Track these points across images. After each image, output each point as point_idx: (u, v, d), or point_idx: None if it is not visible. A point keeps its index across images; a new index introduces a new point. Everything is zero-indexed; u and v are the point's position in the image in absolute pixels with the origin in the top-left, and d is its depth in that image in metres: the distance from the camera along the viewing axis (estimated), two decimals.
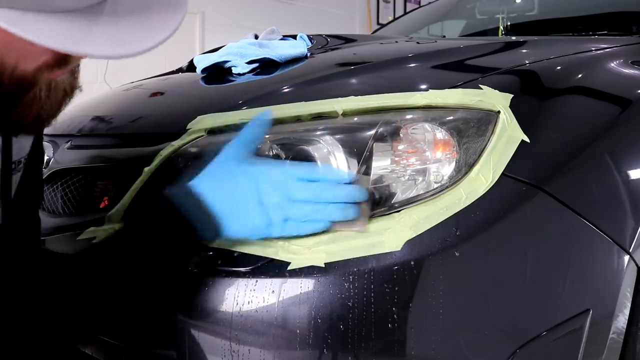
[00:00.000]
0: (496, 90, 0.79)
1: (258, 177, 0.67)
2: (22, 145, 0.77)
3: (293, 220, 0.67)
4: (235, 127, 0.81)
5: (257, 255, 0.71)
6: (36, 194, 0.86)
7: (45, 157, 1.13)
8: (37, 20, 0.46)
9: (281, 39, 1.24)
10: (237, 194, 0.66)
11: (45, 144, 1.16)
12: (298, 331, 0.66)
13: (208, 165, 0.68)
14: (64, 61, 0.57)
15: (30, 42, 0.46)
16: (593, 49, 1.07)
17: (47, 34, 0.46)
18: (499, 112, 0.77)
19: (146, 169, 0.83)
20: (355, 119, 0.77)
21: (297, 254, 0.69)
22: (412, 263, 0.67)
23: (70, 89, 0.62)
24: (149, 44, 0.50)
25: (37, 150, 0.81)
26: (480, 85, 0.80)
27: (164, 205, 0.65)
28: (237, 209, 0.66)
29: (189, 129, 0.84)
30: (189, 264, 0.73)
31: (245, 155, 0.69)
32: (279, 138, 0.78)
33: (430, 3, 2.37)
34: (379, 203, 0.73)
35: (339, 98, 0.79)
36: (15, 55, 0.52)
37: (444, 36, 2.10)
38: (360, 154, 0.73)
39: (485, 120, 0.76)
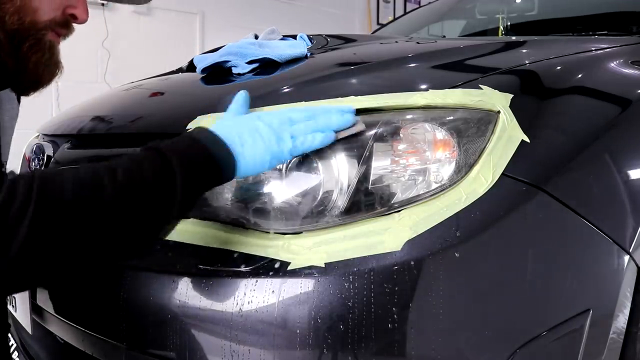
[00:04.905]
0: (496, 90, 0.79)
1: (263, 117, 0.72)
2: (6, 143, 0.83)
3: (302, 137, 0.71)
4: None
5: (257, 255, 0.71)
6: None
7: (45, 157, 1.13)
8: None
9: (281, 39, 1.24)
10: (253, 131, 0.70)
11: (45, 143, 1.16)
12: (298, 331, 0.66)
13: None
14: (66, 24, 0.76)
15: None
16: (593, 49, 1.07)
17: None
18: (499, 112, 0.77)
19: None
20: None
21: (297, 254, 0.69)
22: (412, 263, 0.67)
23: (60, 65, 0.79)
24: None
25: None
26: (480, 85, 0.80)
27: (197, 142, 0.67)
28: (259, 141, 0.69)
29: (189, 129, 0.84)
30: (190, 265, 0.74)
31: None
32: None
33: (430, 3, 2.37)
34: (379, 203, 0.73)
35: (339, 98, 0.79)
36: (39, 1, 0.71)
37: (444, 36, 2.10)
38: (360, 154, 0.73)
39: (485, 120, 0.76)
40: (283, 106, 0.81)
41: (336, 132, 0.72)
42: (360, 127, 0.74)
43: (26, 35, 0.72)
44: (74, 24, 0.78)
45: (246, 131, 0.69)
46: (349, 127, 0.73)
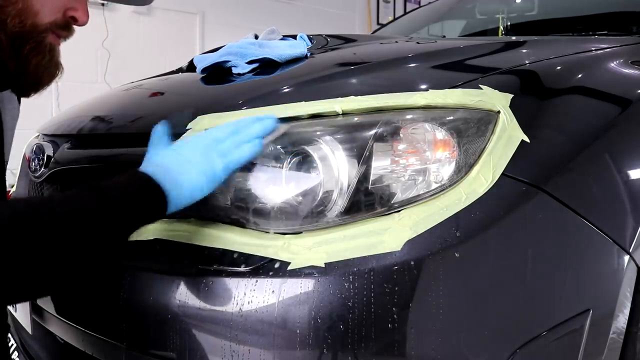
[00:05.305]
0: (496, 90, 0.79)
1: (189, 144, 0.75)
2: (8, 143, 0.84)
3: (230, 154, 0.73)
4: None
5: (257, 255, 0.71)
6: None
7: (45, 157, 1.13)
8: None
9: (281, 39, 1.24)
10: (182, 161, 0.72)
11: (45, 143, 1.16)
12: (298, 331, 0.66)
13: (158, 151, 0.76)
14: (66, 26, 0.77)
15: None
16: (593, 49, 1.07)
17: None
18: (499, 112, 0.77)
19: None
20: (355, 119, 0.77)
21: (297, 254, 0.69)
22: (412, 263, 0.67)
23: (59, 67, 0.80)
24: None
25: None
26: (480, 85, 0.80)
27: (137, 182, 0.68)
28: (190, 169, 0.71)
29: (189, 129, 0.84)
30: (190, 264, 0.74)
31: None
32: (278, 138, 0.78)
33: (430, 3, 2.37)
34: (379, 203, 0.73)
35: (339, 98, 0.79)
36: (41, 4, 0.72)
37: (444, 36, 2.10)
38: (360, 154, 0.73)
39: (485, 120, 0.76)
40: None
41: (262, 138, 0.75)
42: (282, 129, 0.77)
43: (27, 38, 0.73)
44: (74, 26, 0.79)
45: (175, 163, 0.71)
46: (273, 132, 0.76)
